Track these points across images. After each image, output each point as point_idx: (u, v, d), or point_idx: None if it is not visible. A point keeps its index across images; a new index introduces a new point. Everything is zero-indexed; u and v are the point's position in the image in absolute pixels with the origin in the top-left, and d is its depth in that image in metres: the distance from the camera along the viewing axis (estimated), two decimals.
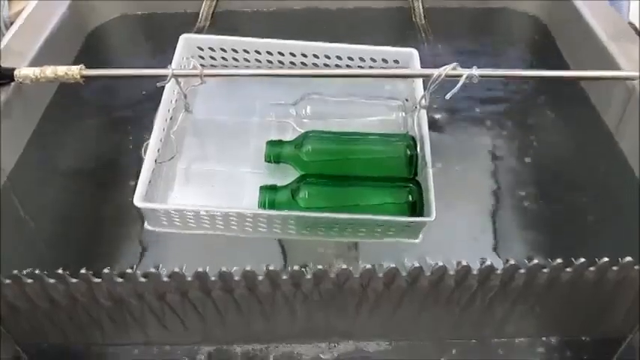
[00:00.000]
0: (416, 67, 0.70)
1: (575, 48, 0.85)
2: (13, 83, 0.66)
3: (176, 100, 0.68)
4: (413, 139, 0.63)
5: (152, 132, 0.62)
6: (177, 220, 0.58)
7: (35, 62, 0.71)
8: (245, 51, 0.73)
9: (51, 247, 0.64)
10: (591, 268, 0.47)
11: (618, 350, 0.56)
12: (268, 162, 0.63)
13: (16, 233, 0.62)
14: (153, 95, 0.67)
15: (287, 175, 0.62)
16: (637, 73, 0.65)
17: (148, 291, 0.48)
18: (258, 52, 0.72)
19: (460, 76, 0.58)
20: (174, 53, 0.69)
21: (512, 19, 0.97)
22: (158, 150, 0.62)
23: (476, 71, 0.58)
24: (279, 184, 0.61)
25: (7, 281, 0.46)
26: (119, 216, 0.65)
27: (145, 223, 0.60)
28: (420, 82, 0.68)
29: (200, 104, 0.71)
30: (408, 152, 0.61)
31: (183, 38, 0.71)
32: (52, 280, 0.47)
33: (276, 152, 0.63)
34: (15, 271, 0.46)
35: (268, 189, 0.60)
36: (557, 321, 0.55)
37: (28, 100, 0.72)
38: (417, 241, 0.59)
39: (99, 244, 0.64)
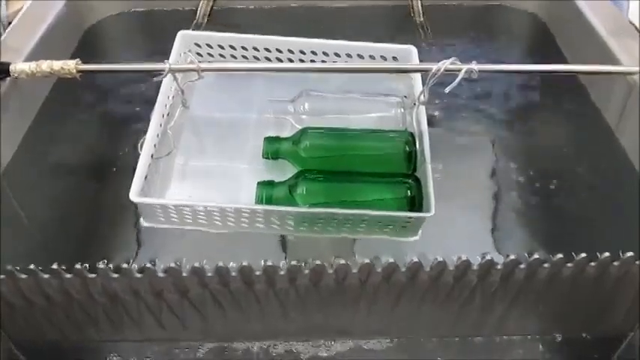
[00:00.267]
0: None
1: (575, 45, 0.85)
2: (8, 78, 0.66)
3: (173, 97, 0.68)
4: (412, 135, 0.62)
5: (149, 127, 0.61)
6: (174, 215, 0.57)
7: (31, 59, 0.70)
8: (243, 48, 0.72)
9: (46, 242, 0.63)
10: (592, 264, 0.47)
11: (619, 348, 0.55)
12: (266, 158, 0.63)
13: (11, 229, 0.62)
14: (150, 91, 0.66)
15: (285, 172, 0.62)
16: (637, 68, 0.64)
17: (144, 286, 0.47)
18: (256, 49, 0.72)
19: (459, 70, 0.58)
20: (171, 50, 0.69)
21: (510, 16, 0.96)
22: (155, 145, 0.62)
23: (475, 66, 0.58)
24: (276, 180, 0.60)
25: (1, 276, 0.46)
26: (115, 212, 0.65)
27: (141, 219, 0.59)
28: (418, 79, 0.68)
29: (198, 100, 0.70)
30: (407, 148, 0.61)
31: (181, 35, 0.71)
32: (46, 276, 0.46)
33: (273, 148, 0.63)
34: (9, 267, 0.46)
35: (266, 185, 0.59)
36: (557, 318, 0.55)
37: (24, 95, 0.72)
38: (415, 237, 0.59)
39: (94, 240, 0.64)
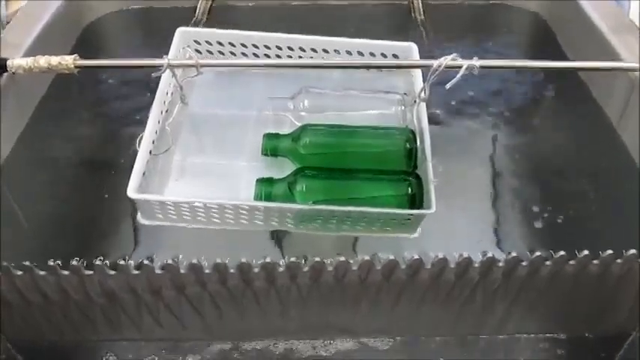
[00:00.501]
0: None
1: (577, 43, 0.85)
2: (5, 74, 0.65)
3: (172, 93, 0.67)
4: (412, 132, 0.62)
5: (147, 124, 0.61)
6: (172, 212, 0.57)
7: (29, 56, 0.70)
8: (243, 45, 0.71)
9: (43, 239, 0.63)
10: (595, 261, 0.47)
11: (621, 348, 0.55)
12: (265, 155, 0.62)
13: (8, 225, 0.61)
14: (149, 88, 0.66)
15: (284, 169, 0.61)
16: (637, 65, 0.64)
17: (141, 283, 0.47)
18: (255, 47, 0.71)
19: (460, 66, 0.57)
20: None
21: (511, 15, 0.96)
22: (153, 142, 0.61)
23: (476, 62, 0.58)
24: (276, 177, 0.60)
25: None
26: (112, 209, 0.64)
27: (139, 216, 0.59)
28: (419, 76, 0.67)
29: (197, 97, 0.69)
30: (408, 145, 0.60)
31: (180, 31, 0.70)
32: (42, 272, 0.46)
33: (273, 145, 0.62)
34: (4, 263, 0.45)
35: (265, 181, 0.59)
36: (560, 317, 0.54)
37: (21, 91, 0.71)
38: (415, 235, 0.58)
39: (91, 237, 0.63)
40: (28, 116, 0.73)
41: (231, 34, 0.71)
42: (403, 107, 0.67)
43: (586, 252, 0.46)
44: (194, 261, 0.45)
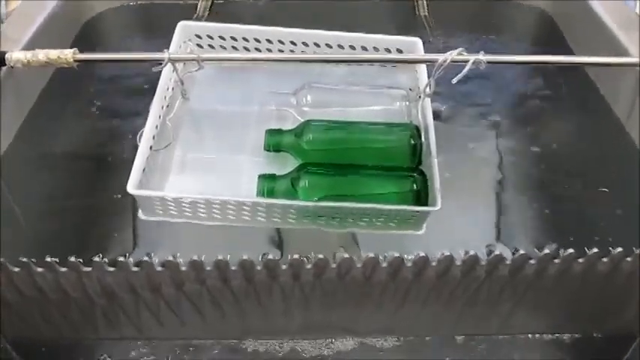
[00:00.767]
0: None
1: (583, 40, 0.84)
2: (4, 67, 0.64)
3: (173, 88, 0.66)
4: (417, 127, 0.61)
5: (147, 119, 0.60)
6: (173, 208, 0.56)
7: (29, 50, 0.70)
8: (245, 39, 0.70)
9: (42, 235, 0.62)
10: (604, 259, 0.46)
11: (630, 348, 0.54)
12: (267, 151, 0.61)
13: (6, 221, 0.60)
14: (150, 83, 0.65)
15: (286, 165, 0.60)
16: (637, 60, 0.63)
17: (141, 281, 0.46)
18: (257, 41, 0.70)
19: (466, 61, 0.56)
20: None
21: (517, 11, 0.95)
22: (153, 137, 0.60)
23: (483, 57, 0.57)
24: (278, 173, 0.59)
25: None
26: (112, 205, 0.64)
27: (139, 212, 0.58)
28: (423, 71, 0.66)
29: (198, 93, 0.69)
30: (412, 141, 0.59)
31: (181, 25, 0.70)
32: (39, 269, 0.45)
33: (275, 141, 0.61)
34: (2, 259, 0.44)
35: (267, 177, 0.58)
36: (567, 316, 0.53)
37: (20, 86, 0.71)
38: (420, 231, 0.57)
39: (91, 233, 0.63)
40: (27, 111, 0.73)
41: (233, 28, 0.70)
42: (407, 103, 0.66)
43: (595, 250, 0.45)
44: (194, 258, 0.44)
